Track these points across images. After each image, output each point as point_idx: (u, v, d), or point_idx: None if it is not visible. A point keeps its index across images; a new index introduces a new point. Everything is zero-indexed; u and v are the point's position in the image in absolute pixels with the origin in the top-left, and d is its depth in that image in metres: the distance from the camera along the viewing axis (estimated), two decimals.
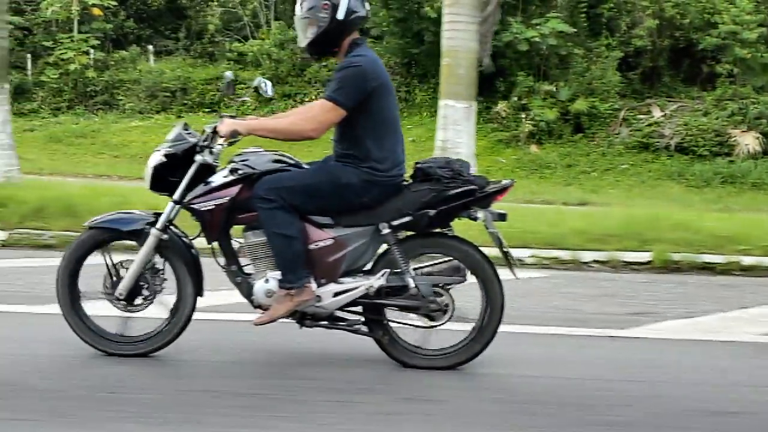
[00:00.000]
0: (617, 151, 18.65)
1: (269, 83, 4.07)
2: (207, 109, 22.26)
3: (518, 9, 20.33)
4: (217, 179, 3.84)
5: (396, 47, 20.95)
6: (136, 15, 24.88)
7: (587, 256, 7.37)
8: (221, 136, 3.74)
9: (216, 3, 24.21)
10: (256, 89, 4.03)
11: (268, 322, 3.82)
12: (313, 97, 21.77)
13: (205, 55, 24.25)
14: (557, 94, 19.29)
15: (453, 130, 9.15)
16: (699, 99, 19.29)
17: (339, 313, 3.92)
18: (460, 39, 9.05)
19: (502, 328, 4.82)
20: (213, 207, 3.80)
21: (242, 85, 22.56)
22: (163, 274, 3.94)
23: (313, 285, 3.81)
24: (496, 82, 20.25)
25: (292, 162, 3.91)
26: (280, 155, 3.92)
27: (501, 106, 19.55)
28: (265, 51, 21.83)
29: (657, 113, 19.15)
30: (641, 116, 19.23)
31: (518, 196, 11.48)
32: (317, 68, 22.19)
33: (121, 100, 22.53)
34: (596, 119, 19.14)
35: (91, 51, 22.80)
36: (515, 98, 19.48)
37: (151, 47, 23.87)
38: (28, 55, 23.64)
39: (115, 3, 23.20)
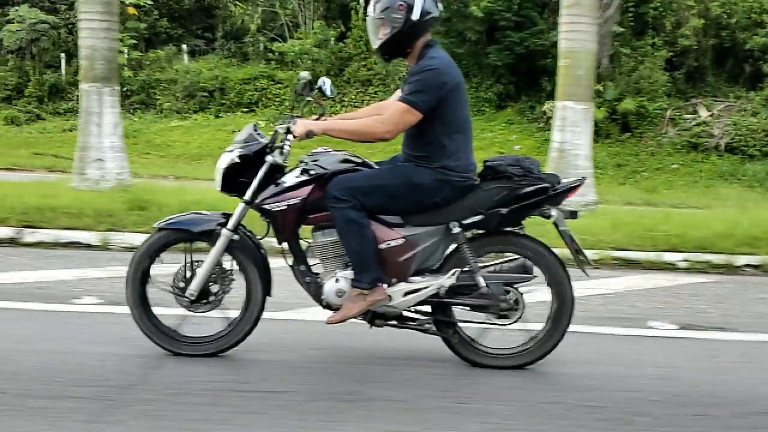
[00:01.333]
0: (666, 151, 18.74)
1: (329, 82, 4.02)
2: (245, 109, 22.21)
3: None
4: (289, 180, 3.84)
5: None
6: (168, 14, 24.73)
7: (739, 260, 7.37)
8: (295, 137, 3.74)
9: (249, 3, 24.12)
10: (320, 89, 3.98)
11: (340, 322, 3.82)
12: (353, 97, 21.75)
13: (239, 54, 24.13)
14: (604, 94, 19.33)
15: (571, 132, 9.13)
16: (744, 99, 19.40)
17: (407, 313, 3.92)
18: (579, 40, 9.03)
19: (743, 336, 4.87)
20: (285, 207, 3.80)
21: (279, 85, 22.57)
22: (231, 274, 3.94)
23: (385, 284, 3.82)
24: (541, 82, 20.31)
25: (359, 161, 3.91)
26: (348, 155, 3.92)
27: (547, 106, 19.55)
28: (307, 50, 21.73)
29: (704, 113, 19.25)
30: (687, 116, 19.33)
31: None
32: (356, 68, 22.17)
33: (158, 99, 22.40)
34: (644, 119, 19.22)
35: (125, 50, 22.58)
36: None
37: (184, 47, 23.76)
38: (62, 54, 23.44)
39: (150, 2, 23.03)
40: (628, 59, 19.69)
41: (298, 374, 3.81)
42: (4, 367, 3.71)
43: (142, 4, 22.90)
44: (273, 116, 21.52)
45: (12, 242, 7.22)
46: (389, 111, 3.75)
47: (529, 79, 20.61)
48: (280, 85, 22.60)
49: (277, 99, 22.36)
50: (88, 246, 7.16)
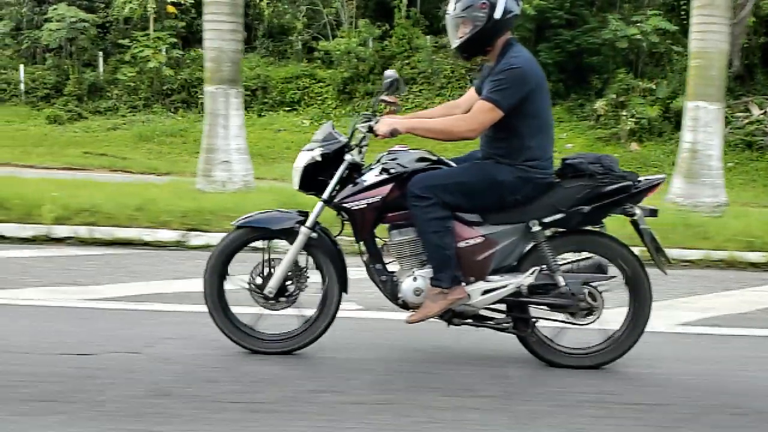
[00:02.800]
0: None
1: (400, 79, 3.96)
2: (288, 108, 22.10)
3: (616, 6, 20.39)
4: (369, 178, 3.80)
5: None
6: None
7: None
8: (377, 135, 3.72)
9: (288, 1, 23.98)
10: (396, 87, 3.91)
11: (420, 321, 3.78)
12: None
13: (276, 53, 23.99)
14: (656, 92, 19.36)
15: (704, 132, 9.11)
16: None
17: (483, 312, 3.88)
18: (712, 41, 9.00)
19: None
20: (365, 206, 3.76)
21: (321, 84, 22.45)
22: (306, 272, 3.91)
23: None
24: (590, 80, 20.32)
25: (435, 159, 3.88)
26: (424, 153, 3.89)
27: (599, 104, 19.57)
28: (353, 49, 21.63)
29: (756, 111, 19.29)
30: (739, 114, 19.36)
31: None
32: (400, 66, 22.05)
33: (200, 98, 22.19)
34: None
35: (163, 49, 22.35)
36: (613, 95, 19.50)
37: None
38: (100, 53, 23.23)
39: (191, 0, 22.85)
40: (680, 57, 19.69)
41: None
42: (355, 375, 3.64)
43: (182, 2, 22.72)
44: (317, 115, 21.45)
45: (178, 245, 7.11)
46: (472, 109, 3.72)
47: (578, 77, 20.61)
48: (321, 84, 22.50)
49: (320, 97, 22.26)
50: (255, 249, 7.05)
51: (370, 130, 3.74)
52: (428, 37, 22.53)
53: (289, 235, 3.84)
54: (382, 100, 3.89)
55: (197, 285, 4.11)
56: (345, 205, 3.78)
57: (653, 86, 19.38)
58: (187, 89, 22.51)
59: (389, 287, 3.83)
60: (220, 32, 9.20)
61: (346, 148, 3.82)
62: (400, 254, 3.82)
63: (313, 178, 3.82)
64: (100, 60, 23.23)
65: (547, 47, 20.10)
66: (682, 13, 19.79)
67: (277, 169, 16.18)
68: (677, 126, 19.24)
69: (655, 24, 19.15)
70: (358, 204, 3.76)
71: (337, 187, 3.80)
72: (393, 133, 3.66)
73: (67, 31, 22.23)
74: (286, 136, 20.54)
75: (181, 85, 22.52)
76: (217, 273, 3.86)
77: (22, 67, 22.89)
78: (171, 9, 22.86)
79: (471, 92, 4.05)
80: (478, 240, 3.74)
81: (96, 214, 7.42)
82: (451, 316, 3.81)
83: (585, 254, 3.90)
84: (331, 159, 3.80)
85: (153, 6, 22.21)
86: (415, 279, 3.77)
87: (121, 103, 22.43)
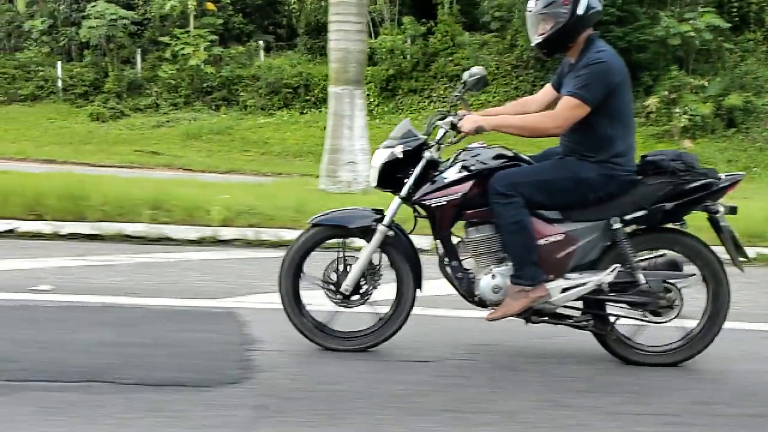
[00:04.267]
0: None
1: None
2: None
3: (666, 3, 20.38)
4: (449, 175, 3.77)
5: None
6: (240, 10, 24.31)
7: None
8: (460, 132, 3.70)
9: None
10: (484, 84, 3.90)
11: (500, 318, 3.75)
12: (441, 92, 21.55)
13: (317, 50, 23.81)
14: (707, 89, 19.35)
15: None
16: None
17: (561, 310, 3.84)
18: None
19: None
20: (445, 203, 3.74)
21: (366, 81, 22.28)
22: (380, 270, 3.88)
23: None
24: (640, 76, 20.28)
25: (511, 155, 3.84)
26: (501, 150, 3.85)
27: (652, 101, 19.54)
28: (398, 46, 21.51)
29: None
30: None
31: None
32: (443, 63, 21.95)
33: (241, 96, 22.03)
34: (750, 114, 19.26)
35: (202, 47, 22.10)
36: (665, 93, 19.47)
37: (261, 42, 23.42)
38: (138, 50, 23.01)
39: None
40: (731, 54, 19.76)
41: None
42: None
43: None
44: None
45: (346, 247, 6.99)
46: (558, 106, 3.70)
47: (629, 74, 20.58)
48: (363, 82, 22.32)
49: (454, 97, 22.08)
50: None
51: (453, 127, 3.70)
52: (467, 33, 22.44)
53: (366, 233, 3.82)
54: (460, 99, 3.87)
55: (443, 289, 3.96)
56: (425, 202, 3.76)
57: (705, 83, 19.36)
58: (227, 87, 22.30)
59: (465, 284, 3.78)
60: (346, 33, 9.08)
61: (424, 145, 3.78)
62: (477, 251, 3.78)
63: (390, 176, 3.79)
64: (138, 57, 22.99)
65: None
66: (733, 10, 19.84)
67: None
68: (729, 123, 19.39)
69: (708, 20, 19.12)
70: (438, 201, 3.73)
71: (413, 185, 3.77)
72: (478, 131, 3.63)
73: (107, 28, 21.96)
74: None
75: (221, 83, 22.29)
76: (293, 270, 3.84)
77: (59, 64, 22.61)
78: (210, 6, 22.65)
79: (546, 89, 4.02)
80: (559, 237, 3.72)
81: (257, 216, 7.30)
82: (530, 314, 3.76)
83: (660, 251, 3.86)
84: (410, 156, 3.77)
85: (194, 3, 21.97)
86: (493, 276, 3.72)
87: (162, 100, 22.19)
